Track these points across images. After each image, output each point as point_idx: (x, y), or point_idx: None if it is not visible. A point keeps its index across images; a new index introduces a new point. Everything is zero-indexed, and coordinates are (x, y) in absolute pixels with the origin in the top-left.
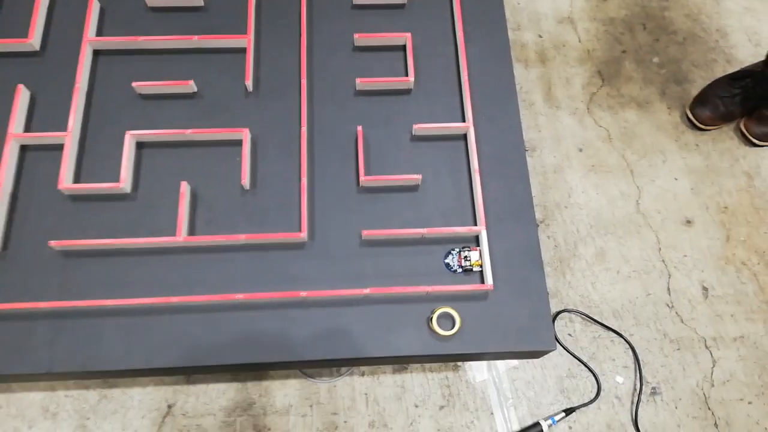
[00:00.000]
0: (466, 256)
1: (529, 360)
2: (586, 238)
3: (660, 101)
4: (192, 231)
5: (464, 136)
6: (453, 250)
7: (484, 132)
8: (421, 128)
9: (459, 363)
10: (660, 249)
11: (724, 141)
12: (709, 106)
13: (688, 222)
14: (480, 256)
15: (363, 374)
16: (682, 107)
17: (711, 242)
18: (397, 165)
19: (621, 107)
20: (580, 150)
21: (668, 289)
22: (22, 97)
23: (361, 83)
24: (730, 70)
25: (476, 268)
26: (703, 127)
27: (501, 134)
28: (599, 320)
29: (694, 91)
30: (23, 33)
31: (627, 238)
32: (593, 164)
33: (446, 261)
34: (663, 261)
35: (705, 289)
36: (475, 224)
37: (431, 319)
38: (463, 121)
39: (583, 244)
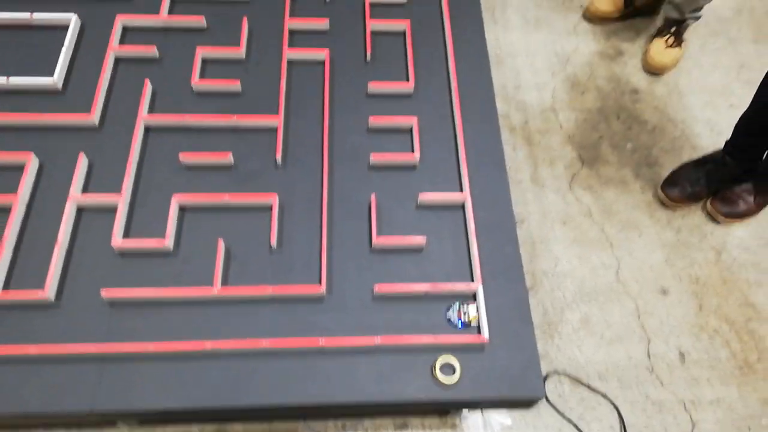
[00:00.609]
0: (465, 312)
1: (523, 419)
2: (572, 304)
3: (634, 182)
4: (225, 283)
5: (462, 205)
6: (453, 304)
7: (479, 201)
8: (425, 197)
9: (456, 422)
10: (639, 316)
11: (693, 218)
12: (678, 187)
13: (664, 291)
14: (477, 311)
15: (366, 431)
16: (654, 187)
17: (685, 311)
18: (404, 228)
19: (600, 186)
20: (564, 223)
21: (648, 353)
22: (82, 164)
23: (375, 158)
24: (695, 155)
25: (473, 323)
26: (673, 205)
27: (493, 204)
28: (586, 383)
29: (664, 174)
30: (86, 109)
31: (609, 305)
32: (576, 237)
33: (448, 316)
34: (642, 327)
35: (682, 354)
36: (473, 281)
37: (434, 367)
38: (462, 191)
39: (570, 309)
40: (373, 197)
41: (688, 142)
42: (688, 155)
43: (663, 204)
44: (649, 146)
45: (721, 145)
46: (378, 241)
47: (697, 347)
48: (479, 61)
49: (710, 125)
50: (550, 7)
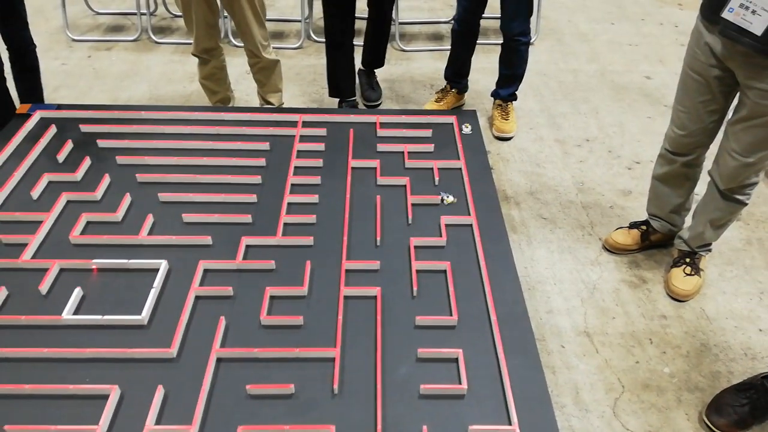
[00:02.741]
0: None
1: None
2: None
3: (677, 408)
4: None
5: None
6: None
7: None
8: (475, 429)
9: None
10: None
11: None
12: (724, 414)
13: None
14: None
15: None
16: (698, 413)
17: None
18: None
19: (643, 413)
20: None
21: None
22: (159, 395)
23: (424, 389)
24: (734, 380)
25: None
26: None
27: None
28: None
29: (707, 399)
30: (167, 343)
31: None
32: None
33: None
34: None
35: None
36: None
37: None
38: (510, 423)
39: None
40: (424, 429)
41: (724, 367)
42: (727, 381)
43: (711, 431)
44: (687, 371)
45: (759, 370)
46: None
47: None
48: (513, 294)
49: (743, 349)
50: (572, 240)
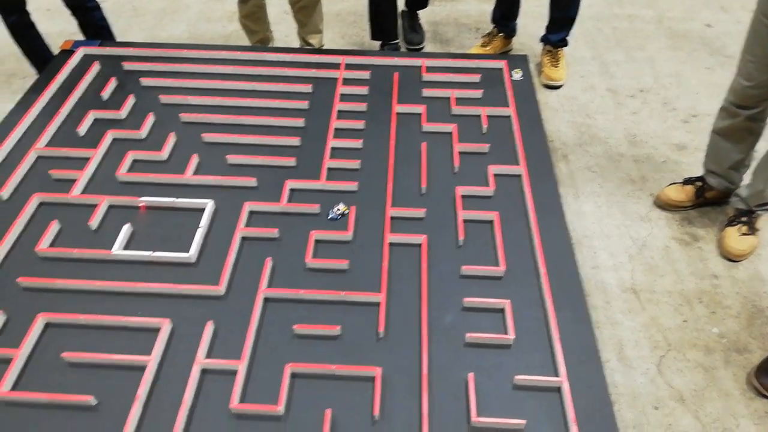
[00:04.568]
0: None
1: None
2: None
3: (725, 368)
4: None
5: (559, 389)
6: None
7: (575, 386)
8: (522, 379)
9: None
10: None
11: None
12: None
13: None
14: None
15: None
16: (746, 375)
17: None
18: (501, 408)
19: (689, 371)
20: (656, 408)
21: None
22: (209, 330)
23: (470, 337)
24: None
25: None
26: None
27: (589, 388)
28: None
29: (756, 361)
30: (215, 281)
31: None
32: (670, 423)
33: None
34: None
35: None
36: None
37: None
38: (557, 375)
39: None
40: (470, 377)
41: None
42: None
43: (759, 393)
44: (736, 331)
45: None
46: (476, 420)
47: None
48: (563, 247)
49: None
50: (621, 194)
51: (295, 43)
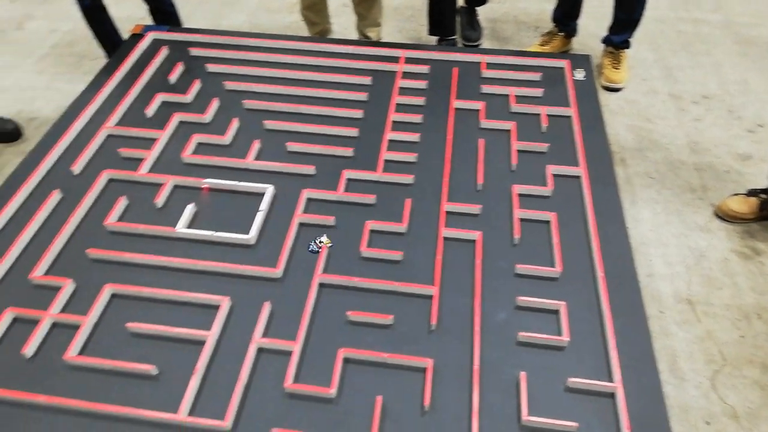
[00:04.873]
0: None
1: None
2: None
3: None
4: None
5: (613, 394)
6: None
7: (630, 392)
8: (575, 382)
9: None
10: None
11: None
12: None
13: None
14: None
15: None
16: None
17: None
18: (553, 409)
19: (745, 388)
20: (708, 423)
21: None
22: (266, 310)
23: (523, 336)
24: None
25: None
26: None
27: (644, 396)
28: None
29: None
30: (273, 263)
31: None
32: None
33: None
34: None
35: None
36: None
37: None
38: (611, 381)
39: None
40: (522, 375)
41: None
42: None
43: None
44: None
45: None
46: (528, 419)
47: None
48: (622, 251)
49: None
50: (680, 202)
51: (353, 36)
